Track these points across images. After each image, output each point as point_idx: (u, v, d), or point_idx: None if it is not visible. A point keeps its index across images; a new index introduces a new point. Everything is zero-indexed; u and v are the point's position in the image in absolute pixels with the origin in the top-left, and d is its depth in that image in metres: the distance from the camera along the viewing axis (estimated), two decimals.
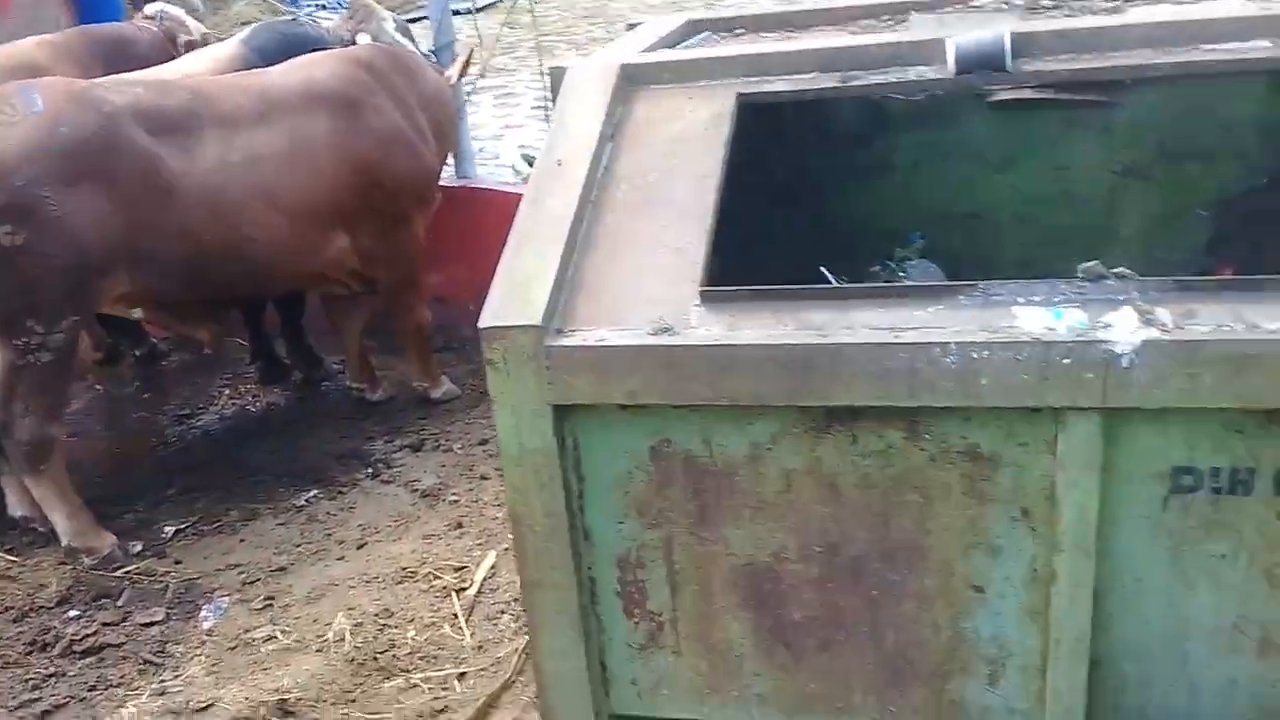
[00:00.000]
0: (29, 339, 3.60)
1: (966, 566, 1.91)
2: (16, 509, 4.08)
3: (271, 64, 4.70)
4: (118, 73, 4.93)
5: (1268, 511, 1.77)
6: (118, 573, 3.77)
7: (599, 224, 2.16)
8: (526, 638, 3.08)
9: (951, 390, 1.78)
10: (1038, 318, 1.79)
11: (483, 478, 4.26)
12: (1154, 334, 1.71)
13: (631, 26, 3.07)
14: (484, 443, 4.57)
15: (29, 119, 3.56)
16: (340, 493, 4.28)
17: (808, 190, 2.98)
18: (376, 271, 4.59)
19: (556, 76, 2.47)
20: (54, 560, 3.88)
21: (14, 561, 3.93)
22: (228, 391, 5.49)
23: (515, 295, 2.01)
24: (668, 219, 2.15)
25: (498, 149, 6.72)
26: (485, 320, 1.98)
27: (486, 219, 5.71)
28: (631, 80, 2.40)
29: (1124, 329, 1.73)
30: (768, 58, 2.37)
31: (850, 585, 1.98)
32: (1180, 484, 1.79)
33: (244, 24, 8.96)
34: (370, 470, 4.43)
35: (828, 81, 2.29)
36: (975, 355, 1.76)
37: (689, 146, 2.25)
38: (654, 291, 2.02)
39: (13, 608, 3.61)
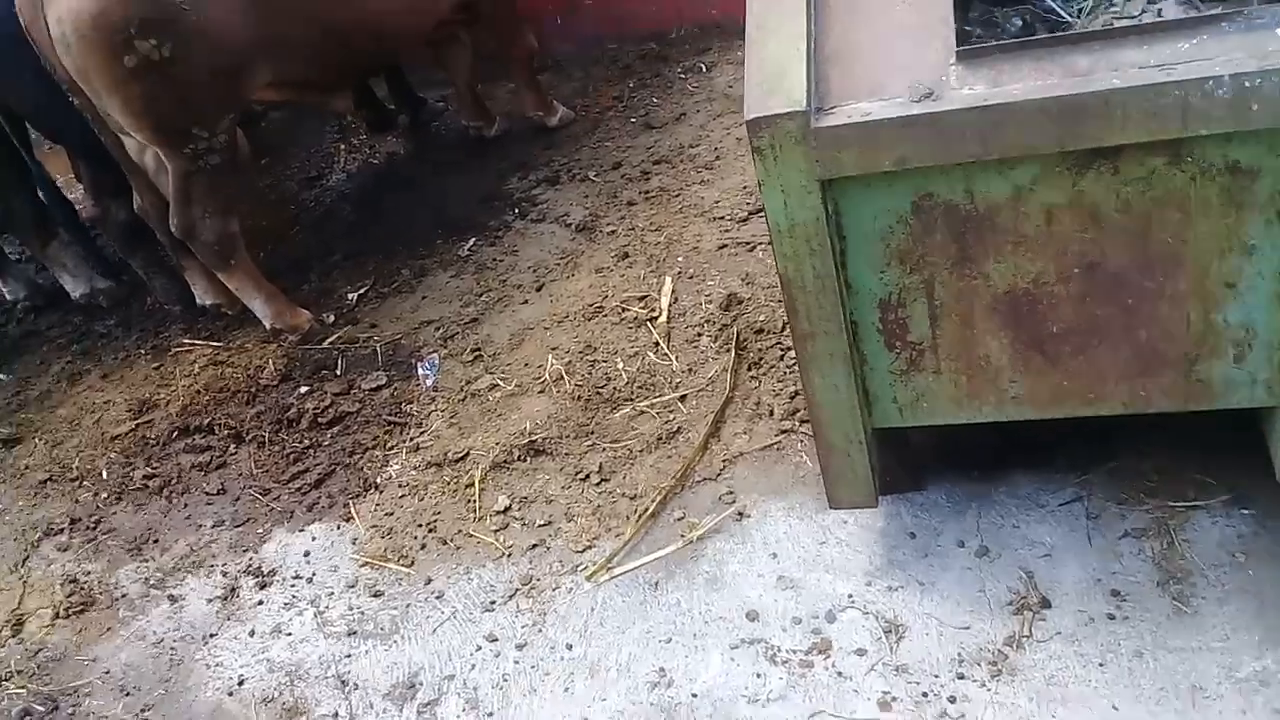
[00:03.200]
0: (195, 145, 3.71)
1: (1221, 267, 2.08)
2: (205, 297, 4.35)
3: None
4: None
5: None
6: (324, 344, 4.08)
7: None
8: (730, 354, 3.40)
9: (1224, 118, 1.87)
10: None
11: (630, 204, 4.41)
12: None
13: None
14: (616, 167, 4.69)
15: None
16: (497, 237, 4.47)
17: None
18: (481, 3, 4.54)
19: None
20: (256, 341, 4.19)
21: (220, 347, 4.24)
22: (343, 147, 5.58)
23: (773, 82, 2.08)
24: None
25: None
26: (750, 111, 2.06)
27: None
28: None
29: None
30: None
31: (1107, 297, 2.17)
32: None
33: None
34: (517, 210, 4.59)
35: None
36: (1248, 84, 1.84)
37: None
38: (906, 55, 2.08)
39: (241, 391, 3.95)
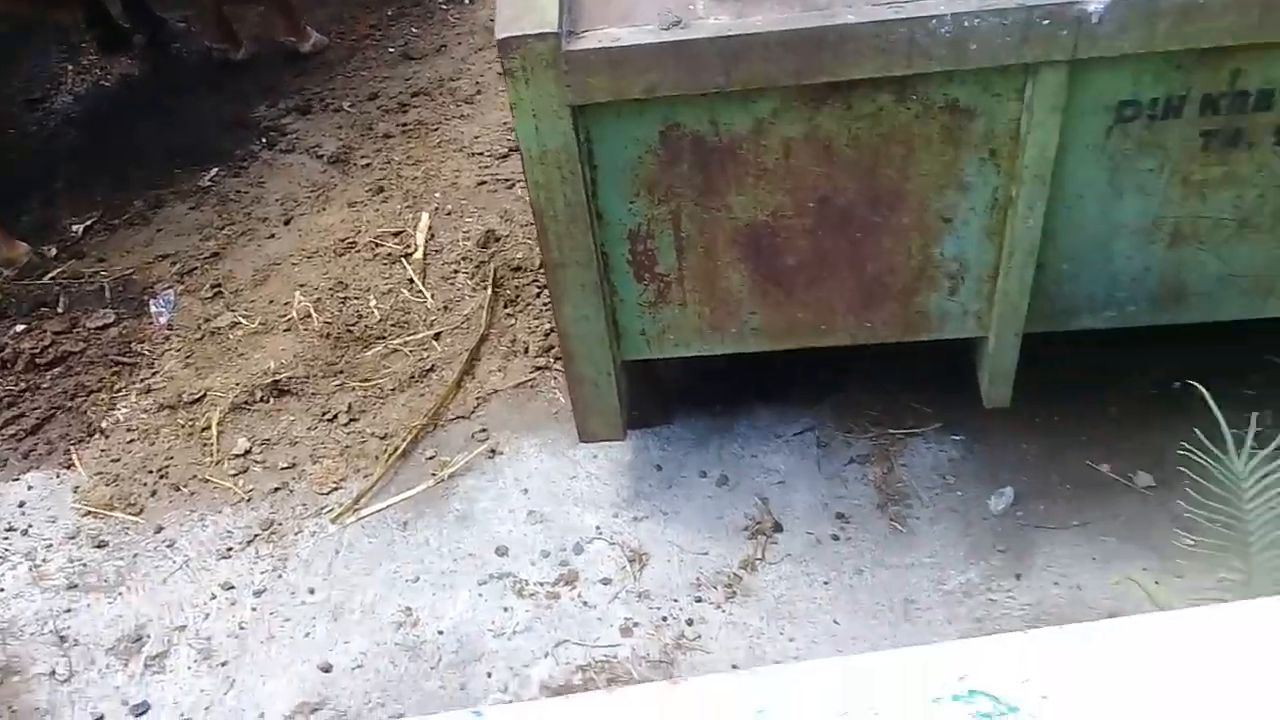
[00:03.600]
0: None
1: (939, 202, 2.21)
2: None
3: None
4: None
5: (1191, 129, 2.09)
6: (44, 280, 3.73)
7: None
8: (487, 292, 3.35)
9: (944, 56, 1.97)
10: None
11: (386, 136, 4.24)
12: None
13: None
14: (373, 98, 4.50)
15: None
16: (242, 168, 4.20)
17: None
18: None
19: None
20: None
21: None
22: (70, 68, 5.09)
23: (524, 3, 2.03)
24: None
25: None
26: (500, 30, 2.01)
27: None
28: None
29: None
30: None
31: (837, 230, 2.26)
32: (1123, 115, 2.09)
33: None
34: (265, 140, 4.33)
35: None
36: (967, 24, 1.94)
37: None
38: None
39: None
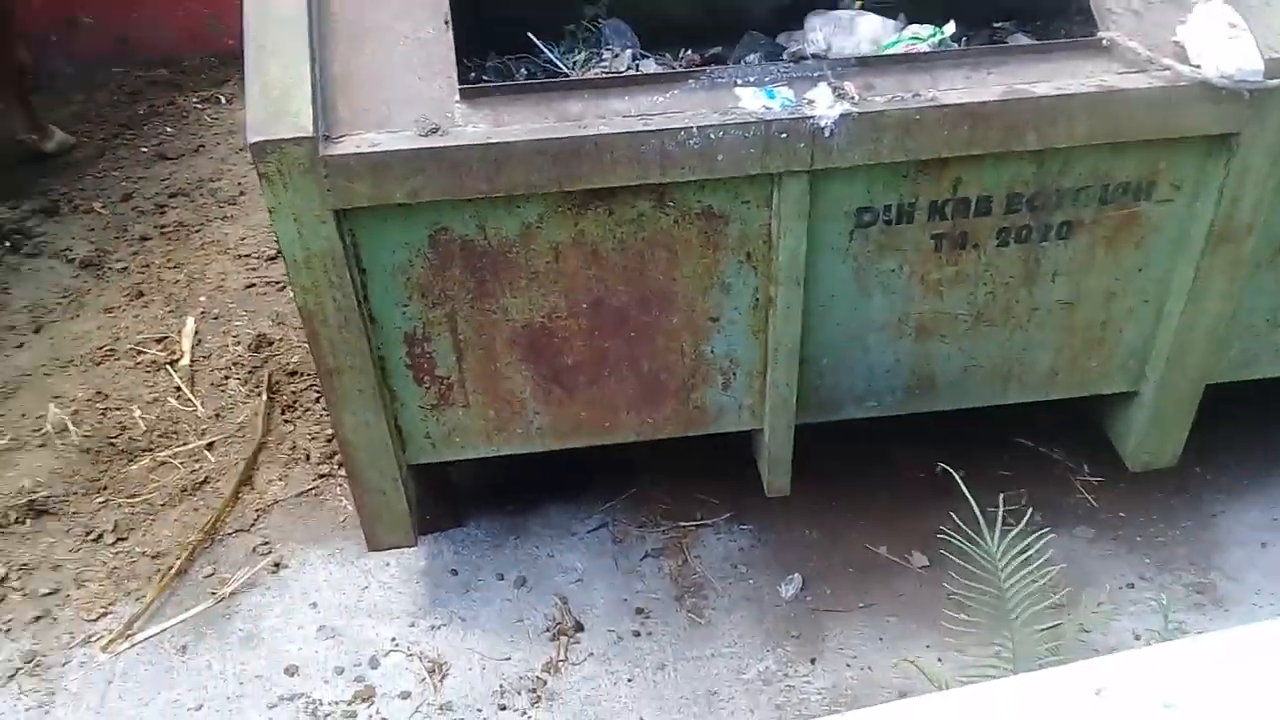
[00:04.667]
0: None
1: (705, 302, 2.35)
2: None
3: None
4: None
5: (923, 233, 2.33)
6: None
7: (331, 18, 2.18)
8: (262, 398, 3.28)
9: (695, 166, 2.12)
10: (756, 98, 2.14)
11: (144, 238, 4.10)
12: (846, 107, 2.13)
13: None
14: (127, 198, 4.34)
15: None
16: None
17: None
18: None
19: None
20: None
21: None
22: None
23: (277, 104, 2.03)
24: (398, 8, 2.21)
25: None
26: (253, 135, 2.00)
27: None
28: None
29: (823, 104, 2.14)
30: None
31: (612, 330, 2.36)
32: (862, 220, 2.29)
33: None
34: (8, 244, 4.08)
35: None
36: (713, 136, 2.10)
37: None
38: (412, 88, 2.13)
39: None
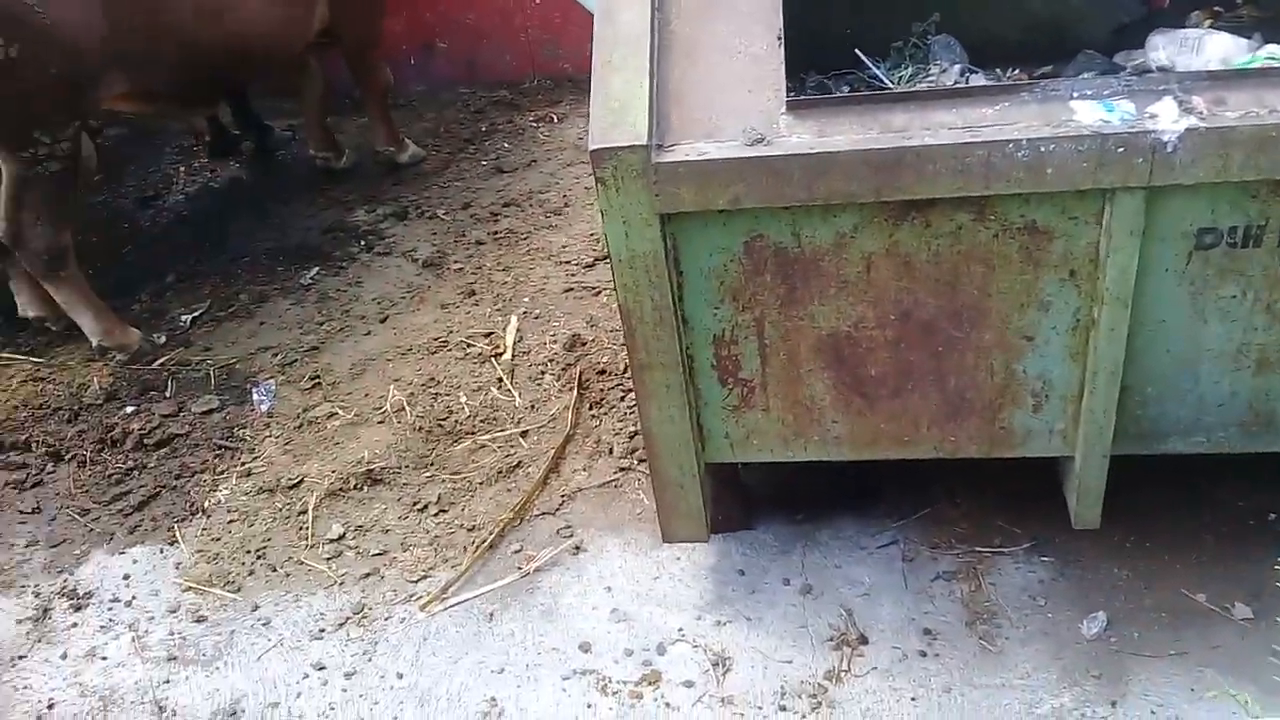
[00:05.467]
0: (36, 149, 3.58)
1: (1021, 320, 2.28)
2: (29, 309, 4.15)
3: None
4: None
5: (1272, 258, 2.15)
6: (154, 364, 3.95)
7: (669, 34, 2.31)
8: (573, 393, 3.47)
9: (1021, 179, 2.07)
10: (1092, 111, 2.07)
11: (478, 243, 4.46)
12: (1193, 121, 2.01)
13: None
14: (466, 206, 4.74)
15: None
16: (341, 268, 4.44)
17: None
18: (344, 30, 4.55)
19: None
20: (80, 359, 4.03)
21: (39, 363, 4.05)
22: (183, 169, 5.45)
23: (617, 115, 2.18)
24: (734, 25, 2.31)
25: None
26: (594, 142, 2.16)
27: None
28: None
29: (1167, 118, 2.03)
30: None
31: (920, 343, 2.34)
32: (1203, 241, 2.15)
33: None
34: (363, 243, 4.58)
35: None
36: (1043, 149, 2.04)
37: None
38: (741, 101, 2.23)
39: (61, 408, 3.78)
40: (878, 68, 2.59)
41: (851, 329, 2.35)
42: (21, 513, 3.37)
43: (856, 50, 2.66)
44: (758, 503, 2.96)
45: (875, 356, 2.38)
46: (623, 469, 3.19)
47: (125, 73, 3.70)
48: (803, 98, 2.24)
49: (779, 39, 2.27)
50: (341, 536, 3.12)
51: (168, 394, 3.81)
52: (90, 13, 3.50)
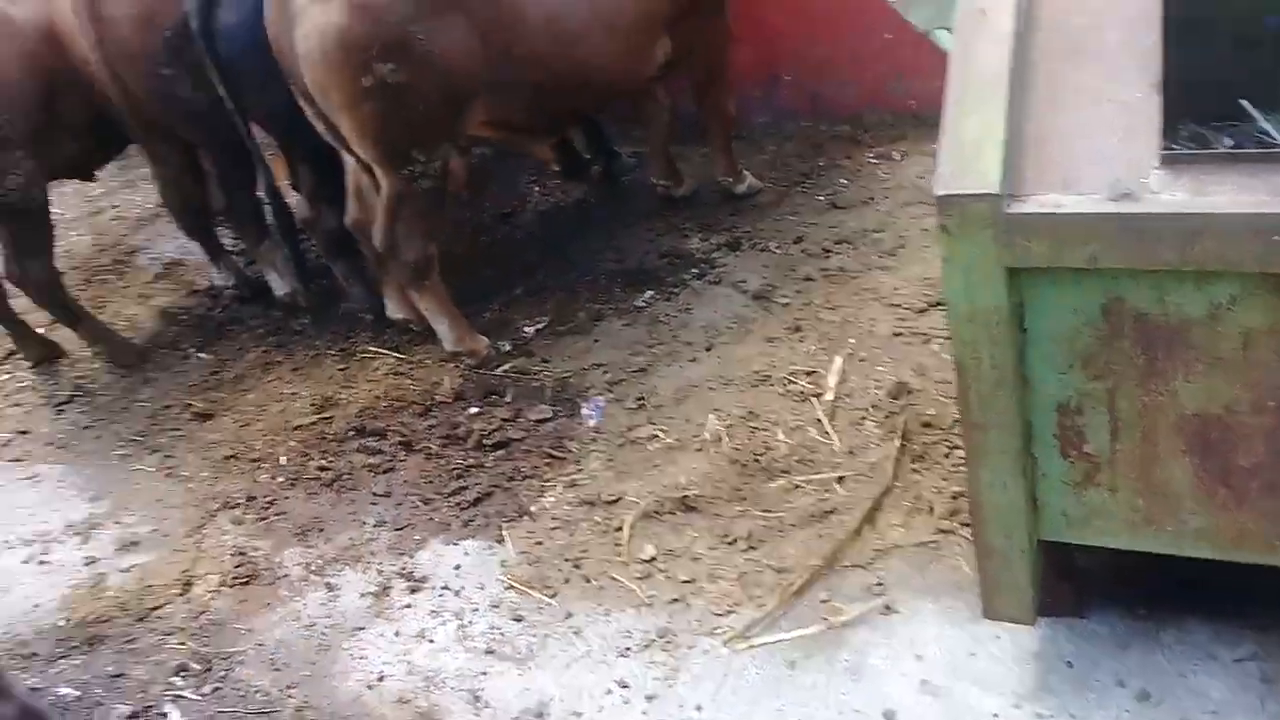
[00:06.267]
0: (413, 168, 3.95)
1: None
2: (396, 312, 4.60)
3: None
4: None
5: None
6: (498, 370, 4.25)
7: (1032, 77, 2.19)
8: (895, 443, 3.38)
9: None
10: None
11: (807, 279, 4.45)
12: None
13: None
14: (798, 241, 4.74)
15: None
16: (673, 293, 4.57)
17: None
18: (692, 63, 4.70)
19: None
20: (437, 359, 4.39)
21: (403, 359, 4.46)
22: (536, 190, 5.82)
23: (967, 161, 2.08)
24: (1104, 69, 2.16)
25: None
26: (940, 188, 2.07)
27: (770, 4, 5.68)
28: None
29: None
30: None
31: None
32: None
33: None
34: (696, 271, 4.69)
35: None
36: None
37: None
38: (1107, 152, 2.07)
39: (416, 403, 4.14)
40: (1266, 120, 2.34)
41: (1222, 411, 2.13)
42: (374, 494, 3.72)
43: (1242, 100, 2.42)
44: (1092, 589, 2.73)
45: (1248, 445, 2.14)
46: (943, 530, 3.07)
47: (488, 101, 4.00)
48: (1179, 151, 2.05)
49: (1156, 86, 2.10)
50: (653, 558, 3.21)
51: (507, 399, 4.08)
52: (468, 43, 3.81)
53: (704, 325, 4.31)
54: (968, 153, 2.12)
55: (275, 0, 3.84)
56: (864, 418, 3.58)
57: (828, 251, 4.60)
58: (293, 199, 4.96)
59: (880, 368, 3.80)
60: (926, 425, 3.44)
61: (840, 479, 3.35)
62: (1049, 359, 2.21)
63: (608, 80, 4.34)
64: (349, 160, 4.28)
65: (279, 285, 5.06)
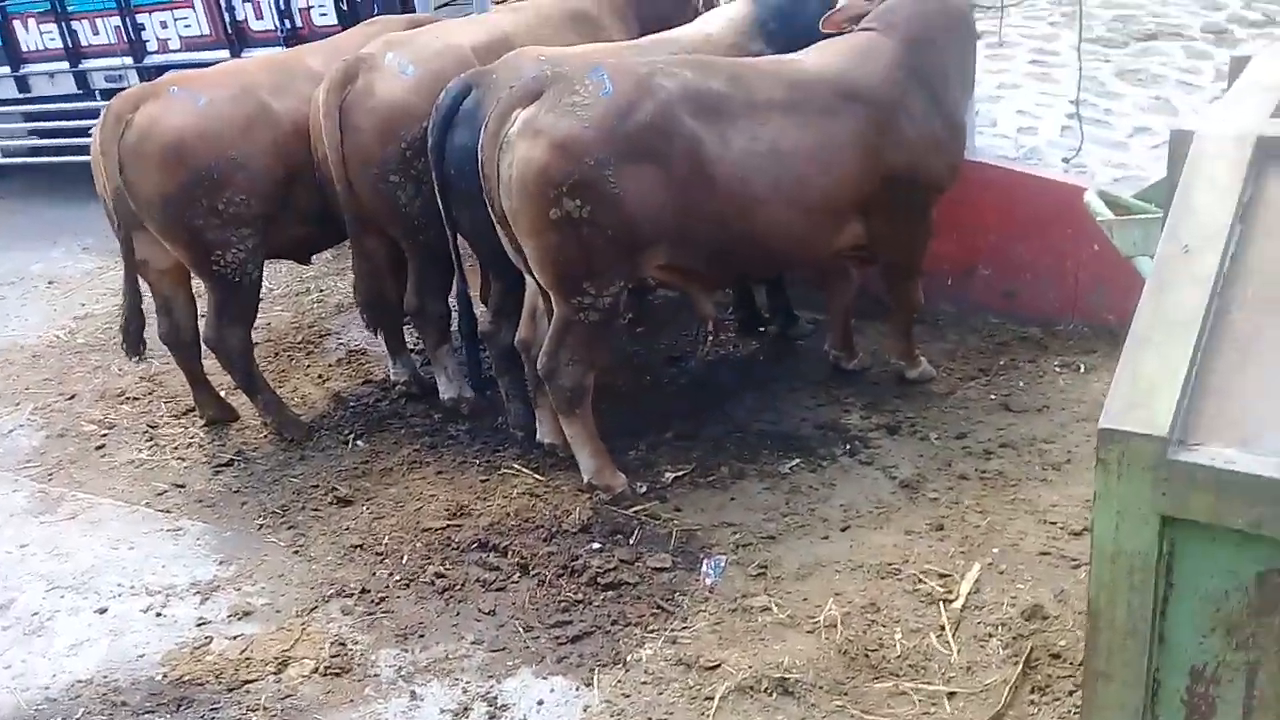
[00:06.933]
0: (583, 299, 4.07)
1: None
2: (546, 436, 4.68)
3: (781, 23, 4.88)
4: (647, 19, 5.37)
5: None
6: (629, 510, 4.23)
7: (1225, 323, 2.07)
8: (1017, 668, 3.15)
9: None
10: None
11: (962, 477, 4.28)
12: None
13: (1238, 60, 2.86)
14: (960, 436, 4.58)
15: (601, 101, 3.93)
16: (820, 466, 4.48)
17: None
18: (883, 251, 4.68)
19: (1179, 142, 2.37)
20: (573, 488, 4.42)
21: (541, 481, 4.51)
22: (710, 339, 5.85)
23: (1140, 397, 1.98)
24: None
25: (994, 113, 6.49)
26: (1105, 422, 1.97)
27: (981, 196, 5.62)
28: (1266, 155, 2.25)
29: None
30: None
31: None
32: None
33: None
34: (849, 447, 4.58)
35: None
36: None
37: None
38: None
39: (542, 527, 4.16)
40: None
41: None
42: (480, 610, 3.73)
43: None
44: None
45: None
46: None
47: (668, 248, 4.10)
48: None
49: None
50: None
51: (631, 541, 4.05)
52: (656, 194, 3.95)
53: (844, 504, 4.19)
54: (1141, 390, 2.01)
55: (491, 130, 4.09)
56: (990, 634, 3.37)
57: (989, 453, 4.41)
58: (480, 311, 5.17)
59: (1020, 585, 3.58)
60: (1055, 656, 3.20)
61: (951, 694, 3.14)
62: (1191, 618, 2.02)
63: (788, 251, 4.39)
64: (530, 282, 4.44)
65: (446, 389, 5.25)
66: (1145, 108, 6.44)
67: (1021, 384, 5.00)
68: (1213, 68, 6.94)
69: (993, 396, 4.90)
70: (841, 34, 4.60)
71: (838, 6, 4.72)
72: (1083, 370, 5.08)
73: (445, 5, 7.81)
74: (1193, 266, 2.13)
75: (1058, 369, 5.13)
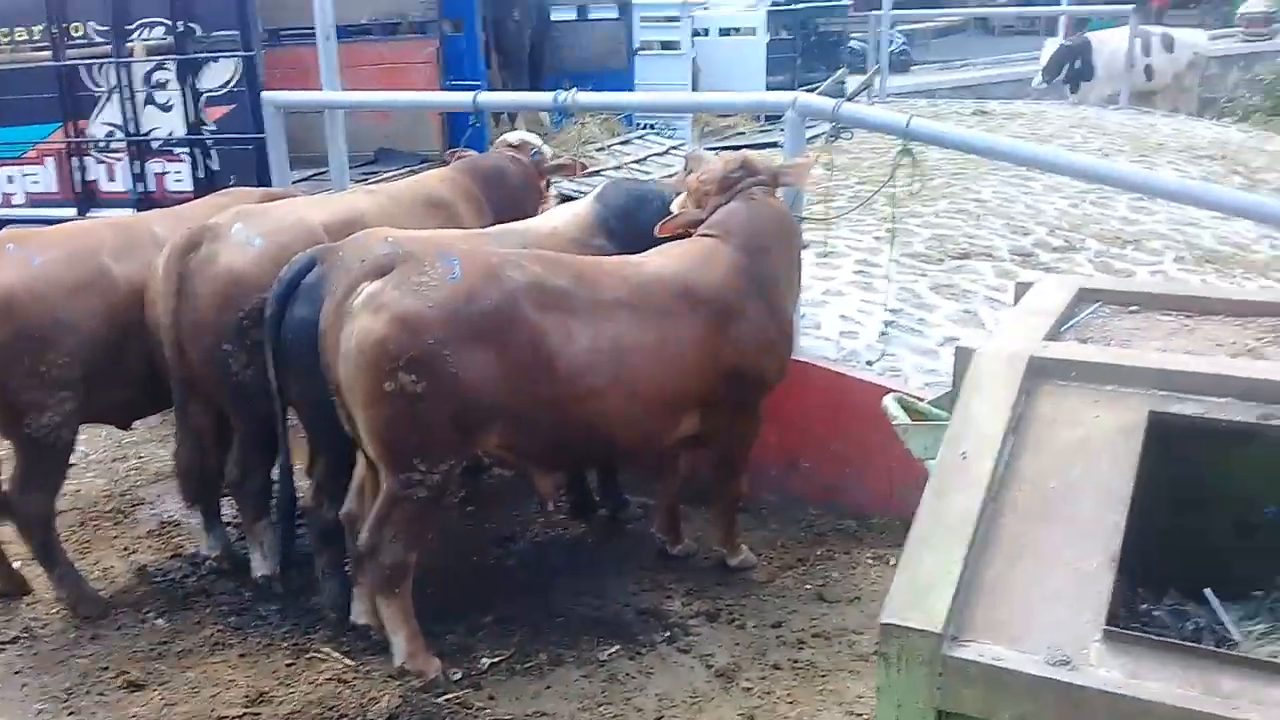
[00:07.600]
0: (412, 474, 4.02)
1: None
2: (360, 617, 4.52)
3: (622, 222, 5.13)
4: (500, 208, 5.55)
5: None
6: (440, 698, 4.08)
7: (998, 527, 2.24)
8: None
9: None
10: None
11: (775, 667, 4.33)
12: None
13: (1021, 286, 3.16)
14: (776, 625, 4.65)
15: (448, 284, 4.01)
16: (639, 653, 4.45)
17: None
18: (715, 443, 4.83)
19: (963, 358, 2.59)
20: (384, 673, 4.24)
21: (350, 666, 4.33)
22: (540, 520, 5.85)
23: (917, 596, 2.10)
24: (1066, 534, 2.20)
25: (819, 316, 6.89)
26: (886, 617, 2.09)
27: (805, 394, 5.90)
28: (1037, 374, 2.48)
29: None
30: (1180, 376, 2.38)
31: None
32: None
33: (586, 142, 9.75)
34: (669, 634, 4.58)
35: (1245, 415, 2.28)
36: None
37: (1093, 458, 2.29)
38: (1053, 615, 2.07)
39: (345, 715, 3.97)
40: (1226, 612, 2.32)
41: None
42: None
43: (1207, 590, 2.41)
44: None
45: None
46: None
47: (503, 428, 4.13)
48: (1122, 630, 2.03)
49: (1113, 560, 2.13)
50: None
51: None
52: (494, 376, 4.00)
53: (659, 693, 4.16)
54: (920, 587, 2.15)
55: (337, 298, 4.11)
56: None
57: (802, 643, 4.49)
58: (302, 485, 5.04)
59: None
60: None
61: None
62: None
63: (626, 441, 4.49)
64: (361, 456, 4.38)
65: (259, 566, 5.05)
66: (956, 319, 6.94)
67: (836, 574, 5.14)
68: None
69: (808, 586, 5.01)
70: (677, 238, 4.86)
71: (673, 212, 4.99)
72: (893, 563, 5.25)
73: (303, 180, 7.88)
74: (969, 472, 2.30)
75: (870, 561, 5.31)
